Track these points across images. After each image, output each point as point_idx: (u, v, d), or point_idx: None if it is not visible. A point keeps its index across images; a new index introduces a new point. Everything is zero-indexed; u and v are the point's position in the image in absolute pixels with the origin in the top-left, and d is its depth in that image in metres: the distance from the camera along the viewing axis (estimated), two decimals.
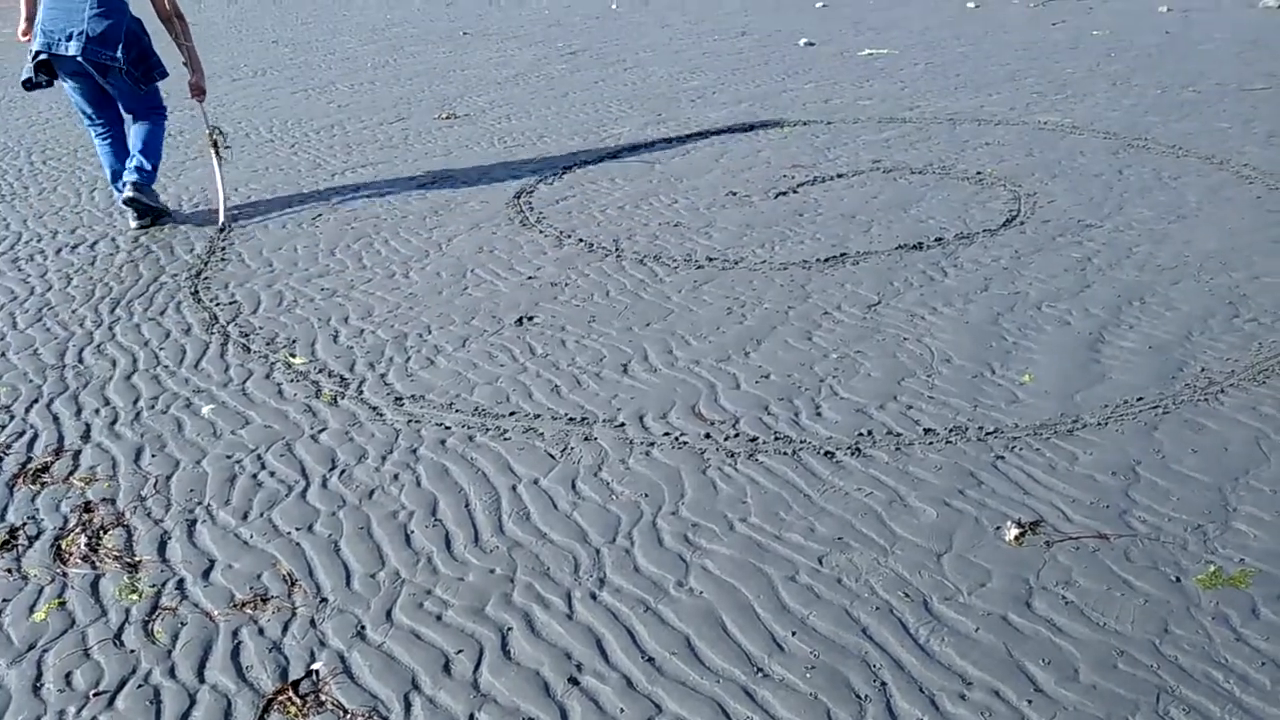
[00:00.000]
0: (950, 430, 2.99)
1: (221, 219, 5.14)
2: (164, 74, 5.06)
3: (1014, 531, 2.53)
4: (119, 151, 5.14)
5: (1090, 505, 2.63)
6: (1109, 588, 2.34)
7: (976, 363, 3.36)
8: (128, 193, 5.00)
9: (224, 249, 4.73)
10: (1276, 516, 2.54)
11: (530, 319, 3.87)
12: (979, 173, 5.20)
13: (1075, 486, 2.70)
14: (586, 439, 3.05)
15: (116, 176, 5.15)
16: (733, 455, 2.94)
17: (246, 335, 3.85)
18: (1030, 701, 2.04)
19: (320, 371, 3.54)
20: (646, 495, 2.77)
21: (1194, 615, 2.24)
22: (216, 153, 5.33)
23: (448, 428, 3.14)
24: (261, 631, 2.34)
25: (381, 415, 3.24)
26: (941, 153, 5.57)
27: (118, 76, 4.87)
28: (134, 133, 5.14)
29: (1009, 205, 4.75)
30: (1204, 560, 2.41)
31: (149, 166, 5.11)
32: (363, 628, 2.34)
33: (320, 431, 3.16)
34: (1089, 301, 3.75)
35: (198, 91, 5.25)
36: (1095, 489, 2.69)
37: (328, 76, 8.60)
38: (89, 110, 5.05)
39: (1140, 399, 3.09)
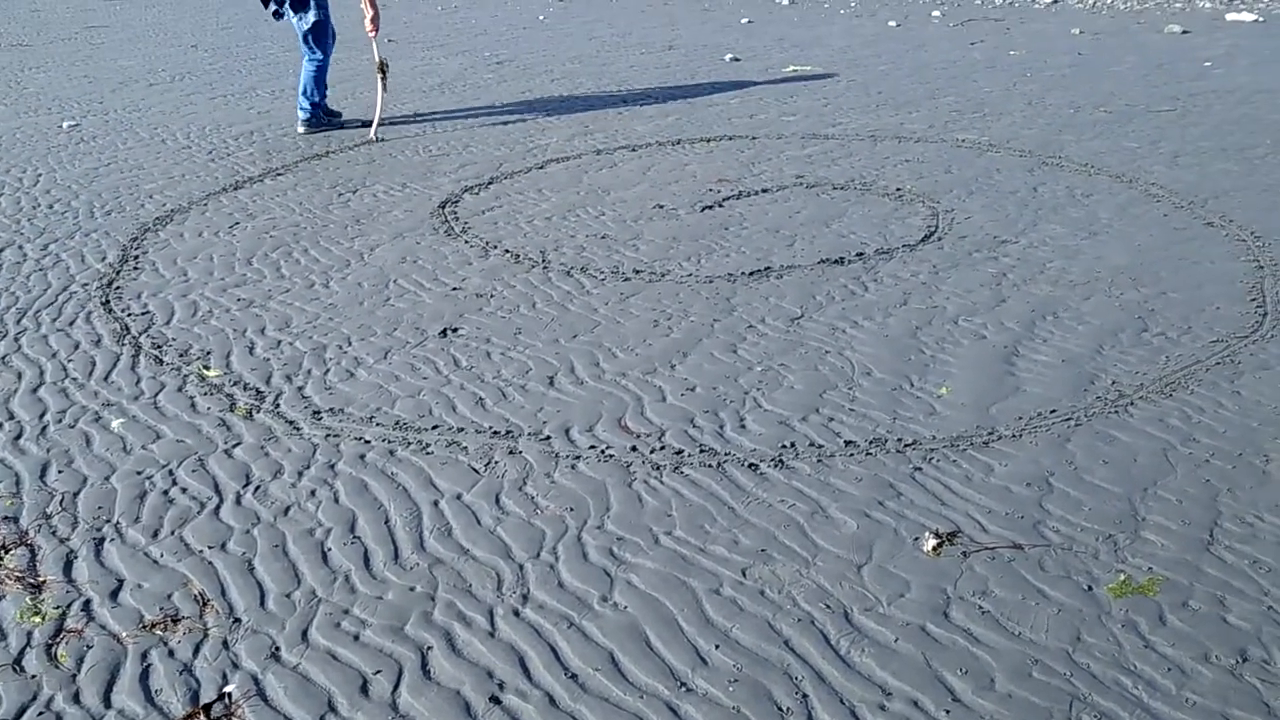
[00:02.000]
0: (870, 442, 3.03)
1: (373, 134, 6.58)
2: (319, 12, 6.51)
3: (932, 542, 2.57)
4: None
5: (1005, 516, 2.68)
6: (1024, 597, 2.39)
7: (896, 375, 3.41)
8: (299, 128, 6.77)
9: (137, 257, 4.60)
10: (1183, 526, 2.62)
11: (454, 330, 3.83)
12: (899, 189, 5.30)
13: (991, 497, 2.76)
14: (511, 453, 3.02)
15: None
16: (658, 468, 2.94)
17: (159, 347, 3.74)
18: (948, 711, 2.07)
19: (235, 384, 3.46)
20: (572, 509, 2.76)
21: (1105, 623, 2.30)
22: (383, 80, 6.59)
23: (367, 442, 3.09)
24: (172, 653, 2.27)
25: (299, 429, 3.17)
26: (863, 169, 5.66)
27: (281, 6, 6.54)
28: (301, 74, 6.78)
29: (927, 221, 4.85)
30: (1114, 569, 2.47)
31: (306, 105, 6.71)
32: (277, 648, 2.28)
33: (234, 446, 3.08)
34: (1004, 316, 3.83)
35: (372, 28, 6.55)
36: (1010, 500, 2.75)
37: (248, 82, 8.43)
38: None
39: (1053, 411, 3.17)
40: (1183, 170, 5.49)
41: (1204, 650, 2.21)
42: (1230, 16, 10.36)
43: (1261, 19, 10.20)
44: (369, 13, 6.46)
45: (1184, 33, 9.66)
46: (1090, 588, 2.41)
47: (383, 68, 6.57)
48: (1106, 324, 3.74)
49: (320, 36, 6.61)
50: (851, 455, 2.97)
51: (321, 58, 6.69)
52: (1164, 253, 4.39)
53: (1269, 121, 6.42)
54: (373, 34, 6.60)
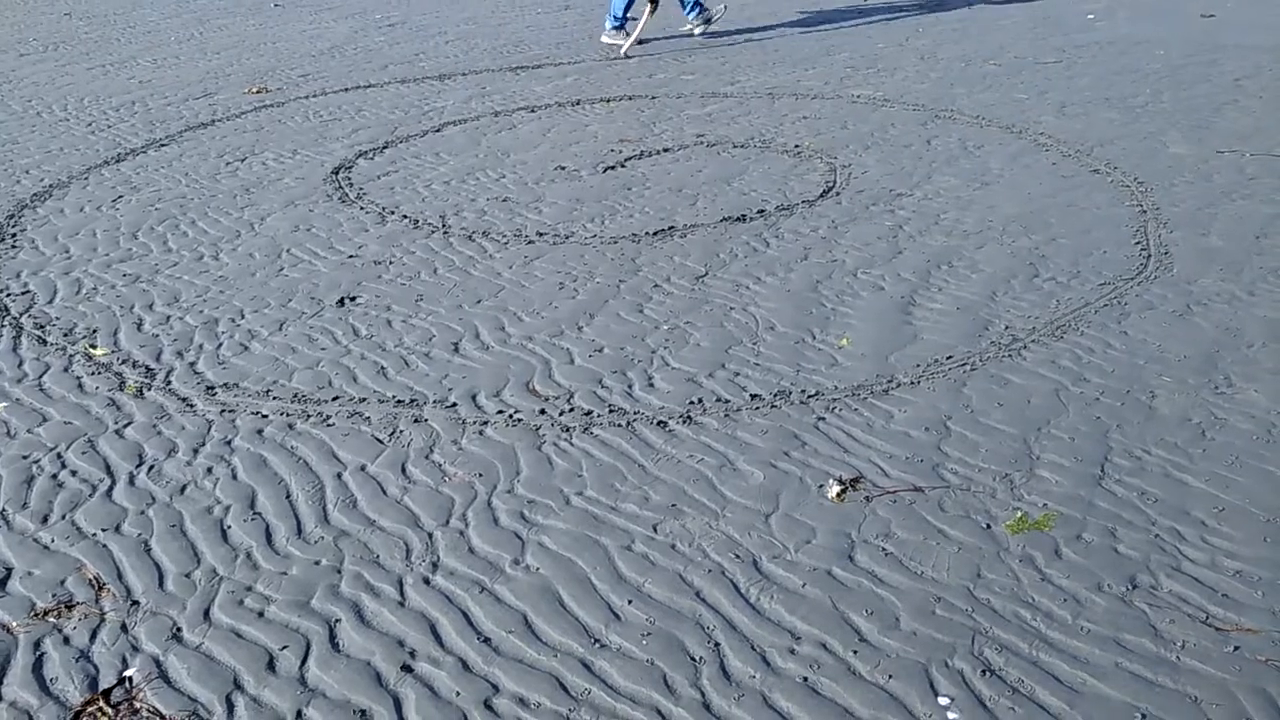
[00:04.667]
0: (775, 395, 3.07)
1: (623, 52, 7.33)
2: None
3: (836, 489, 2.62)
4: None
5: (906, 460, 2.74)
6: (925, 538, 2.45)
7: (798, 329, 3.45)
8: (603, 39, 7.65)
9: (15, 235, 4.38)
10: (1075, 462, 2.71)
11: (353, 299, 3.74)
12: (797, 146, 5.34)
13: (891, 443, 2.82)
14: (416, 421, 2.98)
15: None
16: (568, 430, 2.93)
17: (42, 327, 3.58)
18: (855, 651, 2.12)
19: (124, 362, 3.33)
20: (481, 475, 2.73)
21: (1003, 559, 2.38)
22: (652, 8, 7.30)
23: (265, 416, 3.01)
24: (67, 641, 2.19)
25: (192, 406, 3.07)
26: (761, 127, 5.69)
27: None
28: None
29: (825, 177, 4.90)
30: (1011, 507, 2.55)
31: (612, 18, 7.56)
32: (179, 629, 2.21)
33: (125, 426, 2.97)
34: (901, 267, 3.90)
35: None
36: (910, 444, 2.81)
37: (128, 51, 8.06)
38: None
39: (950, 357, 3.25)
40: (1069, 120, 5.65)
41: (1097, 580, 2.30)
42: None
43: None
44: None
45: None
46: (988, 526, 2.49)
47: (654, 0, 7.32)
48: (999, 271, 3.84)
49: None
50: (757, 408, 3.00)
51: None
52: (1053, 200, 4.51)
53: (1148, 71, 6.64)
54: None
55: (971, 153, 5.17)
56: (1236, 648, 2.11)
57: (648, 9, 7.28)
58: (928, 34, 7.95)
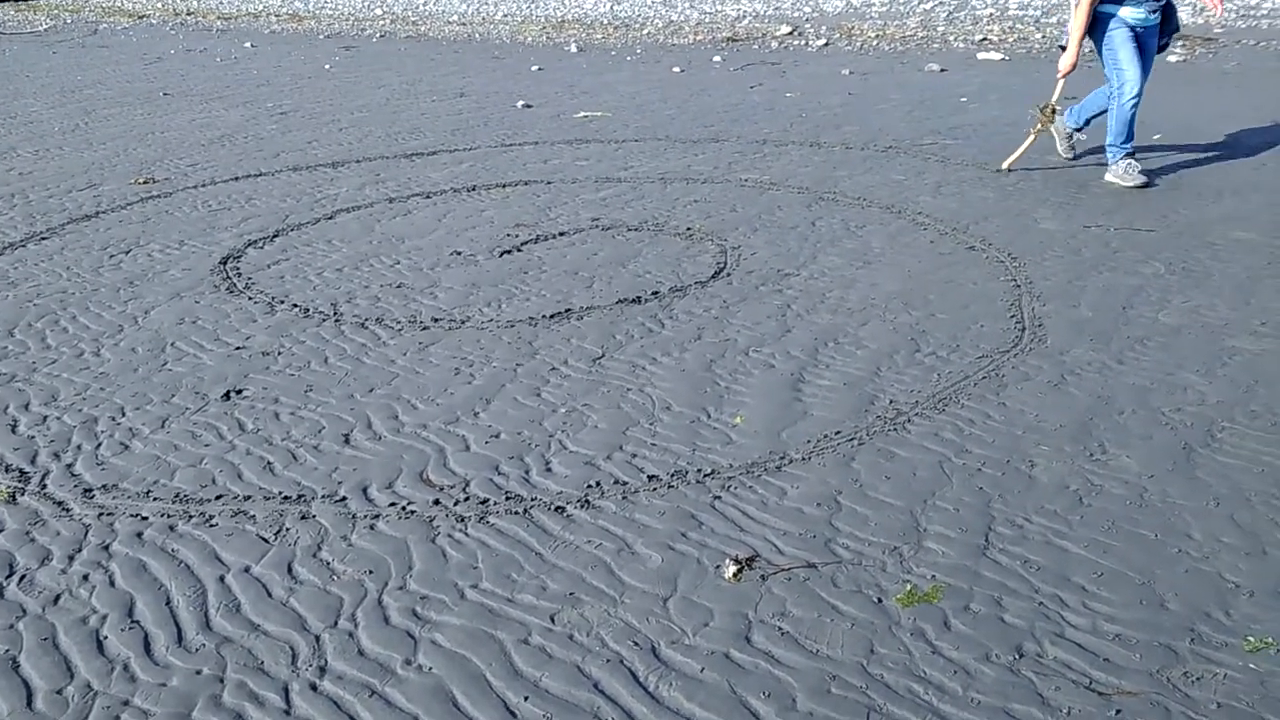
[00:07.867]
0: (672, 475, 3.09)
1: (1006, 165, 6.51)
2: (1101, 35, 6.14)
3: (732, 569, 2.63)
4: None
5: (799, 536, 2.78)
6: (820, 615, 2.47)
7: (693, 408, 3.50)
8: (1124, 179, 6.12)
9: None
10: (960, 533, 2.78)
11: (239, 392, 3.66)
12: (689, 229, 5.46)
13: (785, 520, 2.85)
14: (304, 518, 2.90)
15: None
16: (463, 520, 2.89)
17: None
18: None
19: None
20: (371, 572, 2.67)
21: (895, 634, 2.41)
22: (1043, 122, 6.46)
23: (145, 518, 2.90)
24: None
25: (68, 510, 2.94)
26: (655, 210, 5.81)
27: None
28: None
29: (717, 258, 5.01)
30: (901, 580, 2.60)
31: (1112, 150, 6.17)
32: None
33: None
34: (790, 345, 4.00)
35: (1063, 69, 6.18)
36: (803, 520, 2.85)
37: (8, 142, 7.87)
38: None
39: (838, 433, 3.32)
40: (946, 199, 5.90)
41: (985, 650, 2.35)
42: (981, 56, 11.27)
43: (1007, 58, 11.14)
44: (1070, 58, 6.06)
45: (942, 71, 10.43)
46: (880, 600, 2.53)
47: (1050, 111, 6.46)
48: (883, 347, 3.96)
49: (1112, 66, 6.01)
50: (654, 489, 3.01)
51: (1117, 91, 5.99)
52: (932, 277, 4.69)
53: None
54: (1062, 77, 6.29)
55: (854, 233, 5.35)
56: (1119, 711, 2.17)
57: (1037, 126, 6.45)
58: (810, 119, 8.26)
